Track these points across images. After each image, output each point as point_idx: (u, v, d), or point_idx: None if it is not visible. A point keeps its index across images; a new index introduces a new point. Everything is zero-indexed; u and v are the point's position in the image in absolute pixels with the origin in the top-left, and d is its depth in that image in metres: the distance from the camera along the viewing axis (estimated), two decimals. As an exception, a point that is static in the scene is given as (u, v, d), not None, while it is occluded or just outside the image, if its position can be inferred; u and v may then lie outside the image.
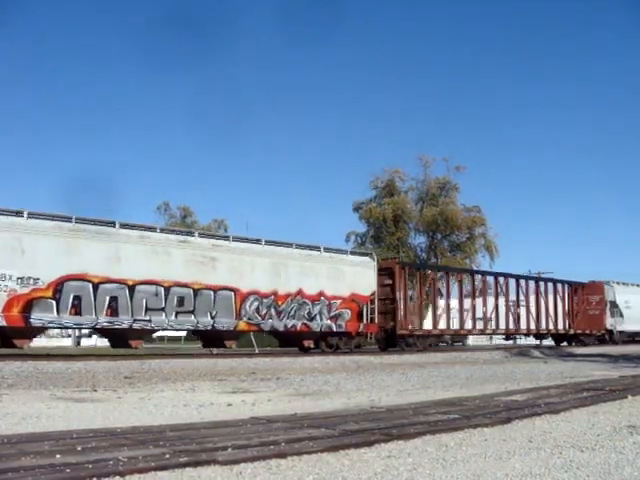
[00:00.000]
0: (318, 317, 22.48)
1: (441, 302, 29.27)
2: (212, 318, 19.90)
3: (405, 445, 5.40)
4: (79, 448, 4.93)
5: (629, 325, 37.61)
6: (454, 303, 28.90)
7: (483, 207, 48.46)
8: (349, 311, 23.43)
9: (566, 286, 35.47)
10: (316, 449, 5.07)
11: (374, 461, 4.80)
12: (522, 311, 31.94)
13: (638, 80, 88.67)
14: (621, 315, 37.29)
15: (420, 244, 49.17)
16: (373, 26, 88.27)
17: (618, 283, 38.21)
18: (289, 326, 21.78)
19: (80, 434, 5.65)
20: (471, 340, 43.39)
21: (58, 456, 4.60)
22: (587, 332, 35.81)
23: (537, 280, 35.46)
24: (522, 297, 32.02)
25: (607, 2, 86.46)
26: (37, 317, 16.56)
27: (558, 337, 35.85)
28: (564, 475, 4.46)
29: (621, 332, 37.39)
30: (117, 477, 4.09)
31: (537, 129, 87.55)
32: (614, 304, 36.89)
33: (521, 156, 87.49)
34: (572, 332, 35.15)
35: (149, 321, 18.60)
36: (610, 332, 36.71)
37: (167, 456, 4.67)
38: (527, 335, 34.97)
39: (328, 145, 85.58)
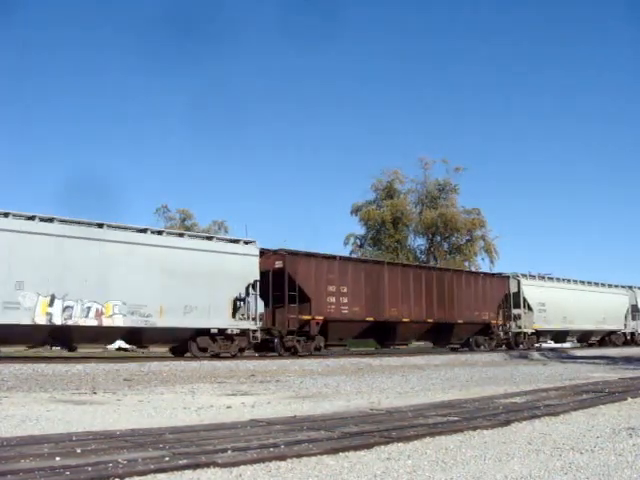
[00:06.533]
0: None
1: None
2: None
3: (405, 447, 5.41)
4: (78, 451, 4.93)
5: None
6: None
7: (483, 208, 48.36)
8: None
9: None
10: (316, 451, 5.08)
11: (374, 463, 4.80)
12: None
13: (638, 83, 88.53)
14: None
15: (419, 246, 49.11)
16: (373, 28, 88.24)
17: None
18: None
19: (80, 437, 5.66)
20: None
21: (58, 459, 4.60)
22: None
23: None
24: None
25: (609, 6, 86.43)
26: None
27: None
28: (563, 477, 4.46)
29: None
30: (116, 480, 4.09)
31: (538, 130, 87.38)
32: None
33: (522, 157, 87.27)
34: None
35: None
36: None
37: (166, 459, 4.67)
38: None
39: (327, 147, 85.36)
